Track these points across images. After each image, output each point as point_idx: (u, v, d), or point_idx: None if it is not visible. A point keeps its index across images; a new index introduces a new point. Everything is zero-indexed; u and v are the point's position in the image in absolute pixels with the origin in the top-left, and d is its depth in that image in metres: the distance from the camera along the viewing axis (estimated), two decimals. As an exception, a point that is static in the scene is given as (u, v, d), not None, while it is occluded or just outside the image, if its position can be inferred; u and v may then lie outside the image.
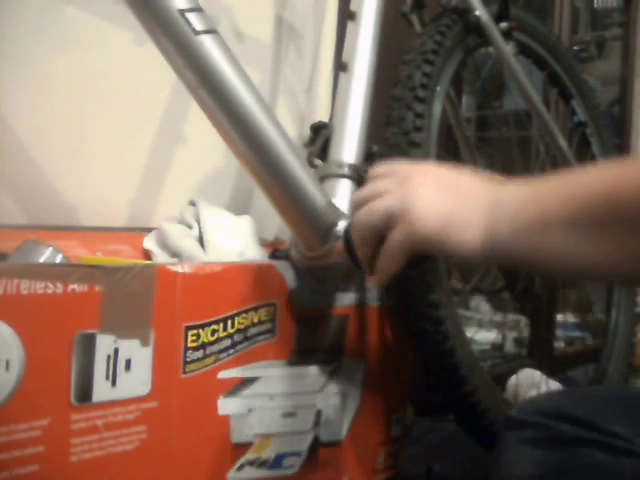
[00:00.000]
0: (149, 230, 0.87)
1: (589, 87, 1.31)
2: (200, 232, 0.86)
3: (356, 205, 0.63)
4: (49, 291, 0.55)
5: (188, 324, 0.62)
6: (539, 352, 1.62)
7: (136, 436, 0.59)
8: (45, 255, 0.67)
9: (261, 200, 0.71)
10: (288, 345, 0.72)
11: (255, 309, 0.68)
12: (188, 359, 0.62)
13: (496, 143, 1.48)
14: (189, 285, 0.62)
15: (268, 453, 0.70)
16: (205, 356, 0.64)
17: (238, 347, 0.67)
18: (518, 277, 1.11)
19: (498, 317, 1.80)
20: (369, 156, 0.80)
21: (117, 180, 1.00)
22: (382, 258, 0.60)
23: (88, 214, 0.95)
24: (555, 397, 0.62)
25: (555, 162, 1.21)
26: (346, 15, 0.88)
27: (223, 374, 0.66)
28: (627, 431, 0.54)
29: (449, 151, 1.28)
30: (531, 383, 1.30)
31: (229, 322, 0.66)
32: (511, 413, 0.61)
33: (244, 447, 0.68)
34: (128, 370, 0.59)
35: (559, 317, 1.85)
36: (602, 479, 0.53)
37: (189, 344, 0.62)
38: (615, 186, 0.48)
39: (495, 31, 1.00)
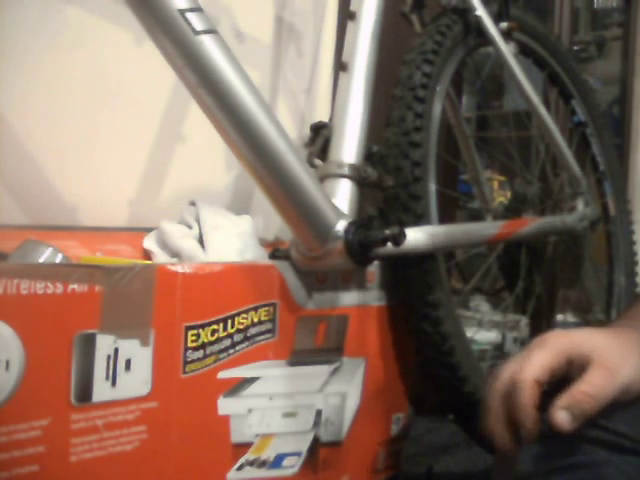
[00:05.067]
0: (149, 230, 0.87)
1: (589, 87, 1.31)
2: (200, 232, 0.86)
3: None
4: (49, 291, 0.55)
5: (188, 324, 0.62)
6: (539, 352, 1.61)
7: (136, 436, 0.59)
8: (45, 255, 0.67)
9: (261, 200, 0.71)
10: (288, 345, 0.72)
11: (255, 309, 0.68)
12: (188, 359, 0.62)
13: (496, 143, 1.48)
14: (189, 285, 0.62)
15: (268, 453, 0.70)
16: (205, 356, 0.64)
17: (238, 347, 0.67)
18: (518, 277, 1.11)
19: (498, 317, 1.80)
20: (369, 156, 0.80)
21: (117, 180, 1.00)
22: (575, 407, 0.52)
23: (88, 214, 0.95)
24: None
25: (555, 162, 1.21)
26: (346, 15, 0.88)
27: (223, 374, 0.66)
28: (633, 430, 0.54)
29: (449, 151, 1.29)
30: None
31: (229, 322, 0.66)
32: None
33: (244, 447, 0.68)
34: (128, 370, 0.59)
35: (559, 317, 1.85)
36: (605, 477, 0.53)
37: (189, 344, 0.62)
38: None
39: (495, 31, 1.00)
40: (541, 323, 1.66)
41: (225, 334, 0.65)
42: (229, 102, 0.61)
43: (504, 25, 1.03)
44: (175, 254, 0.83)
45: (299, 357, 0.72)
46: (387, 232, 0.70)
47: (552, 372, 0.54)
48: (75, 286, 0.56)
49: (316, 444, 0.74)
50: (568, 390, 0.52)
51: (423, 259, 0.81)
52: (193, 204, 0.90)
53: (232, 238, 0.86)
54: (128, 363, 0.59)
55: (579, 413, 0.51)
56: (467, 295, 1.77)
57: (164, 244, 0.85)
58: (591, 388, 0.52)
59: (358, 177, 0.77)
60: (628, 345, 0.55)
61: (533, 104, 1.07)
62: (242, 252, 0.85)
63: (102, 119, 0.98)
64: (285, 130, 0.65)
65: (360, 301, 0.79)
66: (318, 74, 1.31)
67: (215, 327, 0.64)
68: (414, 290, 0.82)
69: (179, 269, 0.62)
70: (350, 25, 0.86)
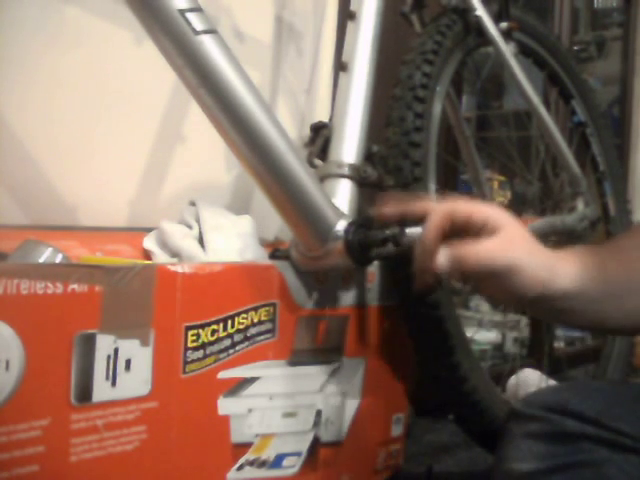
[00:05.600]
0: (149, 230, 0.87)
1: (589, 87, 1.31)
2: (200, 232, 0.86)
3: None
4: (49, 291, 0.55)
5: (188, 324, 0.62)
6: (539, 352, 1.62)
7: (136, 436, 0.59)
8: (45, 255, 0.67)
9: (261, 200, 0.71)
10: (288, 345, 0.72)
11: (255, 309, 0.68)
12: (188, 359, 0.62)
13: (496, 143, 1.48)
14: (189, 285, 0.62)
15: (268, 453, 0.70)
16: (205, 356, 0.64)
17: (238, 347, 0.67)
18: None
19: (498, 317, 1.80)
20: (369, 156, 0.80)
21: (117, 180, 1.00)
22: (456, 256, 0.56)
23: (88, 214, 0.95)
24: (562, 391, 0.61)
25: (555, 162, 1.21)
26: (346, 15, 0.88)
27: (223, 374, 0.66)
28: (634, 429, 0.54)
29: (449, 151, 1.29)
30: (531, 383, 1.30)
31: (229, 322, 0.66)
32: (516, 406, 0.61)
33: (244, 447, 0.68)
34: (128, 370, 0.59)
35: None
36: (606, 476, 0.53)
37: (189, 344, 0.62)
38: None
39: (495, 31, 1.01)
40: (540, 323, 1.66)
41: (225, 334, 0.65)
42: (229, 102, 0.61)
43: (504, 25, 1.03)
44: (175, 254, 0.83)
45: (299, 357, 0.72)
46: (387, 232, 0.70)
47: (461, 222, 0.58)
48: (75, 286, 0.56)
49: (316, 444, 0.74)
50: (463, 243, 0.56)
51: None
52: (193, 204, 0.90)
53: (232, 238, 0.86)
54: (128, 363, 0.59)
55: (456, 265, 0.56)
56: (467, 295, 1.77)
57: (164, 244, 0.85)
58: (480, 252, 0.56)
59: (358, 177, 0.77)
60: (536, 244, 0.58)
61: (533, 104, 1.07)
62: (242, 252, 0.85)
63: (102, 119, 0.98)
64: (285, 130, 0.65)
65: (360, 301, 0.79)
66: (318, 74, 1.31)
67: (215, 327, 0.64)
68: (414, 290, 0.82)
69: (179, 269, 0.62)
70: (350, 25, 0.86)
